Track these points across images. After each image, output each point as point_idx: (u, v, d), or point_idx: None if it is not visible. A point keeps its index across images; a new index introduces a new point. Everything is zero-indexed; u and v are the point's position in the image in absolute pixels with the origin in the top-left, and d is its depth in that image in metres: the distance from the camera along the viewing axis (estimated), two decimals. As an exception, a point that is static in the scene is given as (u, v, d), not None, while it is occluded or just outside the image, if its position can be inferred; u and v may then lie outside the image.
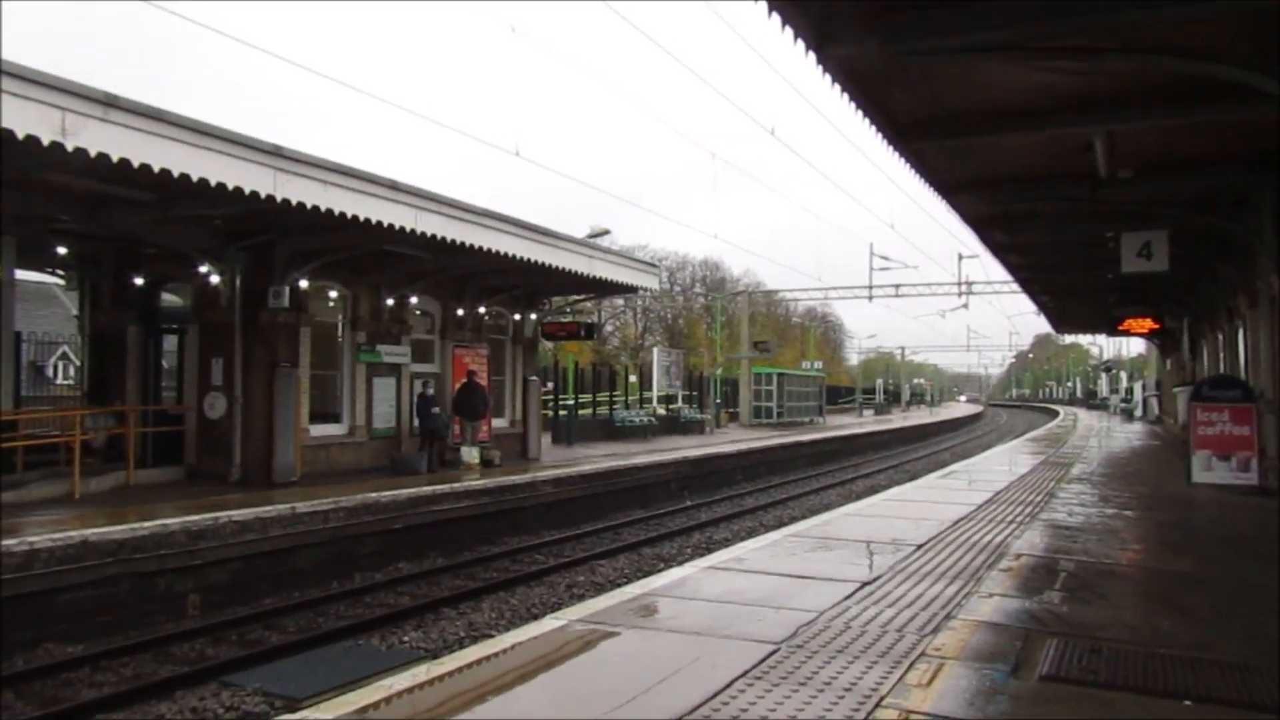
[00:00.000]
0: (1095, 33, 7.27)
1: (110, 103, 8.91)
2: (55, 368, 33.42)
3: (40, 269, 17.26)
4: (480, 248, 14.37)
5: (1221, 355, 20.05)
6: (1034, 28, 6.91)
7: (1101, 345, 70.27)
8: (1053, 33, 7.09)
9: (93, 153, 8.75)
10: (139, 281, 15.37)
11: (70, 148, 8.52)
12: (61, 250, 14.73)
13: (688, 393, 38.06)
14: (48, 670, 7.93)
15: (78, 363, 21.15)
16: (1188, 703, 4.13)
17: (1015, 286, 29.89)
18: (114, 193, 11.40)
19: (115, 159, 8.97)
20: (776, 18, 6.59)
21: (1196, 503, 11.53)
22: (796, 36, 6.93)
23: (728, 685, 4.21)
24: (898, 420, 54.63)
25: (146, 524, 9.93)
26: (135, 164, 9.17)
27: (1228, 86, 8.02)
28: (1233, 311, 17.03)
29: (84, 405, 15.82)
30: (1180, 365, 28.35)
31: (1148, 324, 24.71)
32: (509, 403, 21.06)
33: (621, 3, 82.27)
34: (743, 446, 26.56)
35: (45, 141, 8.29)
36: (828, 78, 7.91)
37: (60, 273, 17.31)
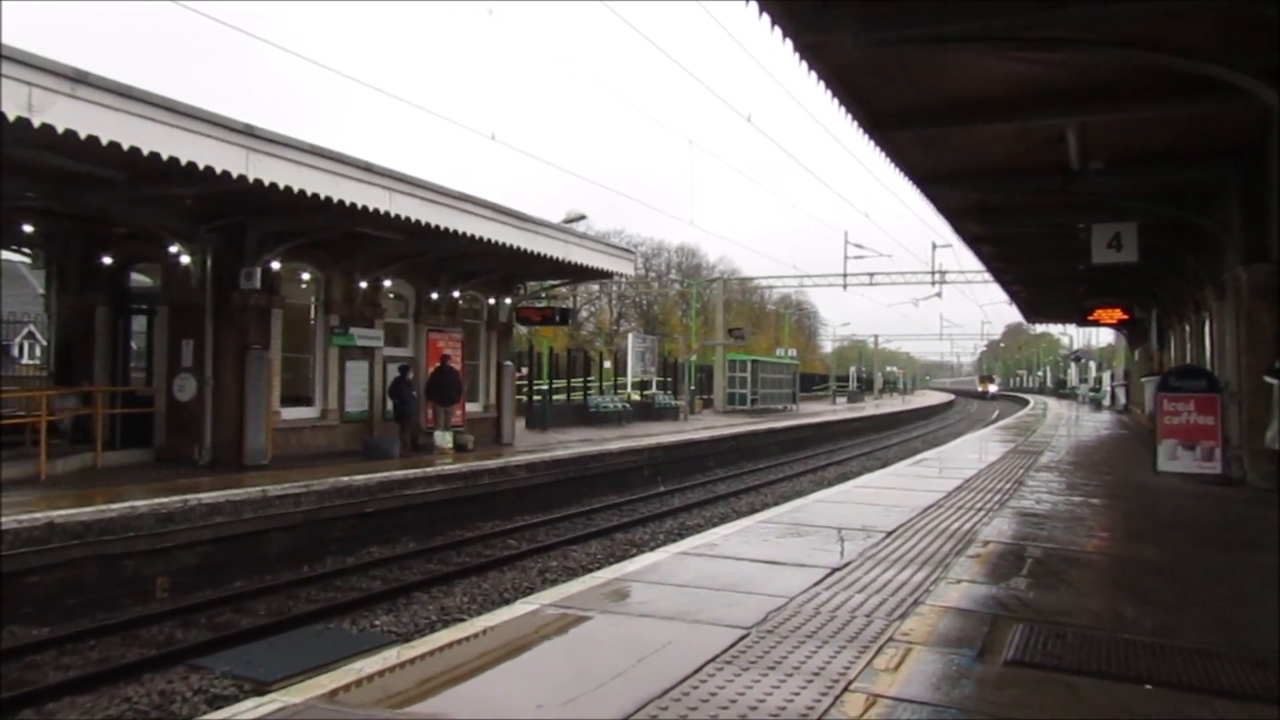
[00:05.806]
0: (1067, 25, 7.35)
1: (79, 79, 8.75)
2: (21, 347, 32.98)
3: (5, 247, 16.93)
4: (455, 231, 14.28)
5: (1188, 346, 20.34)
6: (1007, 19, 6.97)
7: (1071, 335, 71.16)
8: (1026, 24, 7.15)
9: (60, 129, 8.59)
10: (108, 261, 15.15)
11: (37, 124, 8.35)
12: (28, 228, 14.45)
13: (662, 379, 38.14)
14: (13, 653, 7.84)
15: (44, 342, 20.84)
16: (1149, 687, 4.20)
17: (988, 276, 30.21)
18: (83, 171, 11.20)
19: (83, 136, 8.82)
20: (754, 5, 6.60)
21: (1161, 491, 11.69)
22: (774, 24, 6.94)
23: (698, 669, 4.24)
24: (870, 408, 55.01)
25: (114, 506, 9.83)
26: (104, 141, 9.01)
27: (1196, 81, 8.14)
28: (1200, 303, 17.28)
29: (51, 386, 15.59)
30: (1148, 356, 28.72)
31: (1117, 315, 25.06)
32: (483, 387, 21.01)
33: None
34: (716, 433, 26.66)
35: (11, 117, 8.12)
36: (804, 66, 7.94)
37: (27, 251, 17.01)
